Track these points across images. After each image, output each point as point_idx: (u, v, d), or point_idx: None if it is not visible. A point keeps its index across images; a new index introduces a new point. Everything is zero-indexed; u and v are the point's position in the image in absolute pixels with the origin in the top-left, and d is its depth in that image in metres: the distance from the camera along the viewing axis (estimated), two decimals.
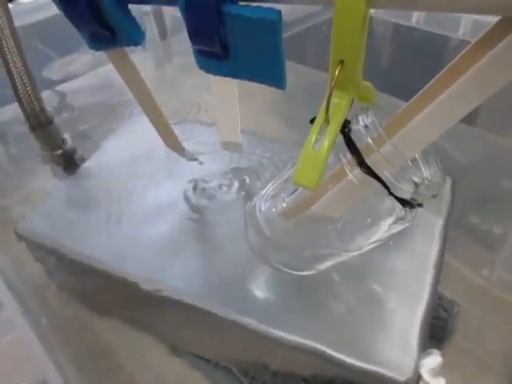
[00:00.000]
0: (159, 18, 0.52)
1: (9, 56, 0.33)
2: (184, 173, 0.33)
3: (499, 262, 0.34)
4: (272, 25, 0.18)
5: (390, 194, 0.21)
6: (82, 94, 0.48)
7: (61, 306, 0.32)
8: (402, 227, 0.23)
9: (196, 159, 0.31)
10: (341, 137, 0.22)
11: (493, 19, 0.18)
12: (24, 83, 0.34)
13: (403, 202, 0.22)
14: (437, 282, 0.26)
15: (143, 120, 0.31)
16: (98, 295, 0.32)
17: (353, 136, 0.21)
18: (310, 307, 0.26)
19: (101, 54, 0.23)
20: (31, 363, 0.28)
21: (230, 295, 0.26)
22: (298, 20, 0.67)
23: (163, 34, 0.52)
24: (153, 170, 0.33)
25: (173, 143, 0.30)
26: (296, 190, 0.24)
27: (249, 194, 0.31)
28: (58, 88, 0.50)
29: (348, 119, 0.22)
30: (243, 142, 0.30)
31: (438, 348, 0.29)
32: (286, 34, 0.65)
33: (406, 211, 0.22)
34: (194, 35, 0.20)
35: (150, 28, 0.52)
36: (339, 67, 0.18)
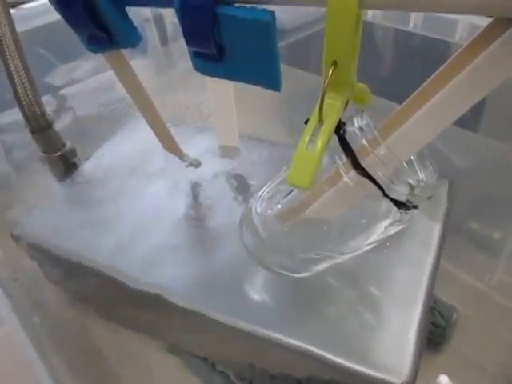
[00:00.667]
0: (160, 24, 0.52)
1: (10, 60, 0.34)
2: (182, 175, 0.33)
3: (499, 267, 0.34)
4: (265, 26, 0.18)
5: (385, 195, 0.21)
6: (82, 97, 0.48)
7: (56, 308, 0.32)
8: (398, 229, 0.23)
9: (194, 162, 0.31)
10: (336, 139, 0.22)
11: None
12: (25, 87, 0.34)
13: (398, 204, 0.22)
14: (433, 285, 0.26)
15: (142, 123, 0.31)
16: (94, 297, 0.32)
17: (347, 138, 0.21)
18: (305, 310, 0.25)
19: (104, 61, 0.23)
20: (24, 366, 0.28)
21: (225, 297, 0.26)
22: (300, 27, 0.68)
23: (164, 41, 0.53)
24: (150, 173, 0.33)
25: (171, 146, 0.30)
26: (291, 191, 0.24)
27: (246, 197, 0.31)
28: (59, 92, 0.50)
29: (343, 121, 0.22)
30: (242, 145, 0.30)
31: (436, 354, 0.29)
32: (288, 41, 0.66)
33: (401, 213, 0.22)
34: (190, 37, 0.20)
35: (151, 34, 0.53)
36: (332, 68, 0.18)
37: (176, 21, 0.19)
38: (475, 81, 0.18)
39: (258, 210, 0.25)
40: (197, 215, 0.31)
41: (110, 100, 0.45)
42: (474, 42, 0.19)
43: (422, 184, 0.22)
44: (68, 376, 0.29)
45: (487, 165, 0.38)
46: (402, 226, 0.23)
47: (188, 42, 0.20)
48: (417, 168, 0.23)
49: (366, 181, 0.21)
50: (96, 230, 0.30)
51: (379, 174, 0.21)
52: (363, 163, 0.21)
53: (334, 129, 0.19)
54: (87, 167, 0.34)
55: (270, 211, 0.24)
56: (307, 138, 0.19)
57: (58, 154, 0.34)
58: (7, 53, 0.34)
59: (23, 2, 0.65)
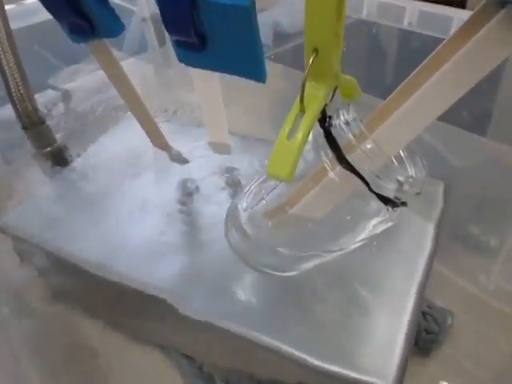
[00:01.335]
0: (158, 24, 0.52)
1: (2, 55, 0.34)
2: (173, 173, 0.32)
3: (497, 271, 0.33)
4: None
5: (371, 191, 0.20)
6: (79, 94, 0.48)
7: (42, 305, 0.31)
8: (386, 226, 0.22)
9: (183, 159, 0.31)
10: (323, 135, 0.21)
11: None
12: (17, 82, 0.34)
13: (385, 200, 0.21)
14: (424, 288, 0.25)
15: (135, 121, 0.31)
16: (81, 294, 0.31)
17: (333, 131, 0.21)
18: (291, 311, 0.25)
19: None
20: (7, 363, 0.27)
21: (210, 297, 0.26)
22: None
23: (162, 41, 0.53)
24: (142, 170, 0.33)
25: (159, 142, 0.30)
26: (275, 187, 0.23)
27: (237, 195, 0.30)
28: (56, 87, 0.50)
29: (329, 115, 0.22)
30: (235, 143, 0.30)
31: (428, 359, 0.28)
32: (293, 44, 0.65)
33: (388, 210, 0.21)
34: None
35: (149, 35, 0.53)
36: (313, 56, 0.17)
37: None
38: (460, 71, 0.17)
39: (244, 207, 0.24)
40: (187, 212, 0.30)
41: (109, 96, 0.45)
42: (458, 33, 0.19)
43: (410, 180, 0.21)
44: (52, 374, 0.28)
45: (488, 167, 0.37)
46: (390, 224, 0.22)
47: (169, 31, 0.20)
48: (406, 164, 0.22)
49: (353, 176, 0.21)
50: (83, 226, 0.30)
51: (365, 169, 0.20)
52: (349, 158, 0.20)
53: (316, 118, 0.19)
54: (78, 163, 0.34)
55: (255, 207, 0.24)
56: (288, 128, 0.18)
57: (49, 149, 0.34)
58: (0, 50, 0.33)
59: None
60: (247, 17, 0.18)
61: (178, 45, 0.21)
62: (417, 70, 0.20)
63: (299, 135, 0.18)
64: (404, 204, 0.21)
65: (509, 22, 0.16)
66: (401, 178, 0.20)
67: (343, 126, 0.20)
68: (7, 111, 0.36)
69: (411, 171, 0.22)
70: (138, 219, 0.30)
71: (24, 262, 0.31)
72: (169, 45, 0.50)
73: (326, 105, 0.20)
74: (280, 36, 0.68)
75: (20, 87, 0.34)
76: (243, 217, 0.24)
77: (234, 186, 0.31)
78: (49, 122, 0.35)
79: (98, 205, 0.31)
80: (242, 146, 0.35)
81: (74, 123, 0.42)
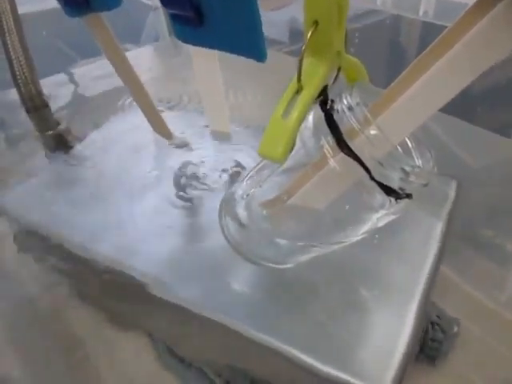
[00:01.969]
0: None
1: (8, 37, 0.33)
2: (174, 160, 0.31)
3: (510, 279, 0.31)
4: None
5: (372, 179, 0.19)
6: (87, 79, 0.48)
7: (31, 290, 0.30)
8: (390, 219, 0.21)
9: (185, 145, 0.30)
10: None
11: None
12: (21, 65, 0.34)
13: (389, 191, 0.19)
14: (430, 291, 0.23)
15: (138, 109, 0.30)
16: (73, 279, 0.30)
17: (335, 116, 0.19)
18: (286, 306, 0.23)
19: None
20: None
21: (202, 288, 0.24)
22: None
23: (172, 30, 0.52)
24: (143, 156, 0.32)
25: (160, 128, 0.29)
26: (273, 173, 0.22)
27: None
28: (65, 74, 0.49)
29: (332, 98, 0.20)
30: (237, 131, 0.29)
31: (431, 369, 0.26)
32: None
33: (391, 201, 0.20)
34: None
35: (159, 23, 0.52)
36: (312, 28, 0.16)
37: None
38: (467, 57, 0.16)
39: (240, 193, 0.23)
40: (185, 200, 0.29)
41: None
42: (466, 15, 0.17)
43: (416, 170, 0.19)
44: (37, 362, 0.27)
45: (504, 167, 0.35)
46: (393, 217, 0.21)
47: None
48: (412, 153, 0.21)
49: (355, 165, 0.19)
50: (79, 210, 0.29)
51: (367, 155, 0.19)
52: (351, 144, 0.19)
53: (313, 97, 0.18)
54: (79, 148, 0.33)
55: (251, 194, 0.23)
56: (283, 107, 0.17)
57: (52, 132, 0.33)
58: (5, 29, 0.33)
59: None
60: None
61: (174, 19, 0.20)
62: (423, 53, 0.19)
63: (294, 114, 0.17)
64: (409, 196, 0.20)
65: None
66: (406, 168, 0.19)
67: (346, 110, 0.19)
68: (14, 94, 0.36)
69: (418, 161, 0.21)
70: (135, 204, 0.29)
71: (18, 244, 0.30)
72: None
73: (327, 86, 0.19)
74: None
75: (24, 70, 0.34)
76: (239, 205, 0.23)
77: (236, 175, 0.30)
78: (54, 106, 0.34)
79: (96, 189, 0.30)
80: (251, 135, 0.33)
81: (80, 108, 0.42)
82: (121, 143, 0.33)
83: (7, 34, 0.33)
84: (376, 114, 0.19)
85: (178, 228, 0.28)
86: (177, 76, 0.46)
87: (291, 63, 0.52)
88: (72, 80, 0.46)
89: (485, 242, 0.33)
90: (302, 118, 0.17)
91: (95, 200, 0.29)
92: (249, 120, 0.30)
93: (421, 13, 0.42)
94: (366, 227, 0.22)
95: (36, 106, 0.34)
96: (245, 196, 0.23)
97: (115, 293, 0.29)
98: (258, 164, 0.24)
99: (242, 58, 0.20)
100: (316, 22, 0.16)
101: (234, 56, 0.20)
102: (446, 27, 0.18)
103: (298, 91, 0.17)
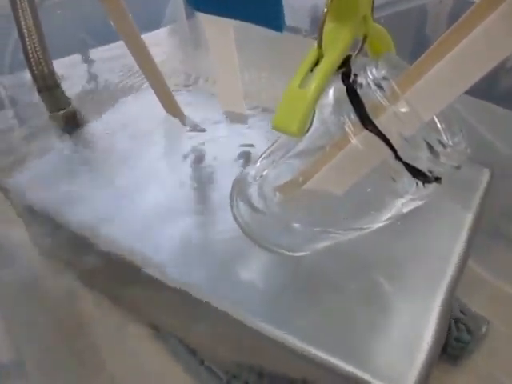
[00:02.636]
0: None
1: (21, 16, 0.32)
2: (187, 143, 0.30)
3: None
4: None
5: (398, 159, 0.17)
6: (101, 60, 0.47)
7: (38, 275, 0.30)
8: (415, 205, 0.19)
9: (198, 127, 0.29)
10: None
11: None
12: (34, 44, 0.33)
13: (416, 173, 0.18)
14: (456, 286, 0.22)
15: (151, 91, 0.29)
16: (81, 265, 0.29)
17: (359, 90, 0.18)
18: (300, 298, 0.22)
19: None
20: None
21: (212, 276, 0.23)
22: None
23: (190, 13, 0.51)
24: (155, 138, 0.31)
25: (173, 109, 0.28)
26: (288, 152, 0.21)
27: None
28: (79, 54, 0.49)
29: (355, 72, 0.19)
30: (252, 114, 0.27)
31: (455, 370, 0.25)
32: None
33: (418, 184, 0.18)
34: None
35: (176, 6, 0.51)
36: None
37: None
38: (501, 28, 0.14)
39: (252, 174, 0.21)
40: (197, 184, 0.28)
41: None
42: None
43: (448, 150, 0.17)
44: (39, 349, 0.26)
45: None
46: (420, 203, 0.19)
47: None
48: (442, 131, 0.19)
49: (379, 144, 0.17)
50: (87, 193, 0.28)
51: (394, 133, 0.17)
52: (376, 121, 0.17)
53: (335, 65, 0.16)
54: (90, 129, 0.32)
55: (264, 176, 0.21)
56: (301, 76, 0.15)
57: (63, 112, 0.33)
58: (19, 6, 0.32)
59: None
60: None
61: None
62: (457, 23, 0.17)
63: (314, 83, 0.15)
64: (438, 180, 0.18)
65: None
66: (436, 148, 0.17)
67: (371, 83, 0.17)
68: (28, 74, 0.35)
69: (448, 141, 0.19)
70: (144, 188, 0.28)
71: (27, 227, 0.30)
72: (196, 17, 0.49)
73: (350, 57, 0.17)
74: (319, 21, 0.65)
75: (37, 48, 0.33)
76: (251, 187, 0.21)
77: (249, 159, 0.28)
78: (66, 86, 0.34)
79: (104, 171, 0.29)
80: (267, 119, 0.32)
81: (92, 89, 0.41)
82: (132, 125, 0.32)
83: (20, 11, 0.32)
84: (403, 89, 0.17)
85: (187, 213, 0.26)
86: (191, 58, 0.45)
87: (310, 46, 0.50)
88: (85, 61, 0.45)
89: None
90: (322, 88, 0.15)
91: (104, 182, 0.28)
92: (264, 103, 0.29)
93: None
94: (389, 213, 0.20)
95: (48, 85, 0.33)
96: (258, 177, 0.21)
97: (120, 279, 0.28)
98: (272, 144, 0.22)
99: (259, 36, 0.19)
100: None
101: (249, 38, 0.19)
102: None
103: (318, 60, 0.16)
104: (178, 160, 0.29)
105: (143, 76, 0.29)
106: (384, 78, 0.18)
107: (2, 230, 0.31)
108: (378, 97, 0.17)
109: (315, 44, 0.16)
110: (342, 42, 0.16)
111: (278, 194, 0.21)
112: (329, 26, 0.15)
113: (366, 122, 0.17)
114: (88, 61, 0.45)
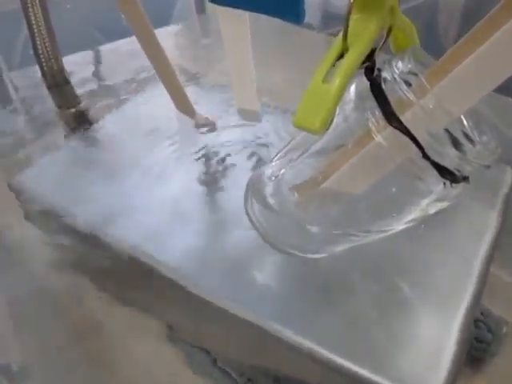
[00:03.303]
0: None
1: (31, 12, 0.32)
2: (198, 141, 0.29)
3: None
4: None
5: (426, 157, 0.16)
6: (112, 57, 0.46)
7: (47, 273, 0.29)
8: (441, 206, 0.18)
9: (210, 125, 0.28)
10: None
11: None
12: (44, 41, 0.32)
13: (443, 172, 0.17)
14: (482, 288, 0.21)
15: (161, 88, 0.28)
16: (90, 265, 0.29)
17: (383, 85, 0.17)
18: (317, 302, 0.21)
19: None
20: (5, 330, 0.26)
21: (225, 278, 0.22)
22: None
23: (200, 8, 0.50)
24: (165, 137, 0.30)
25: (184, 106, 0.27)
26: (303, 153, 0.20)
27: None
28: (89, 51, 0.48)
29: (379, 67, 0.18)
30: (266, 111, 0.27)
31: (477, 373, 0.24)
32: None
33: (445, 184, 0.17)
34: None
35: (187, 1, 0.50)
36: None
37: None
38: None
39: (268, 174, 0.21)
40: (208, 183, 0.27)
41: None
42: None
43: (477, 148, 0.17)
44: (47, 351, 0.26)
45: None
46: (446, 204, 0.18)
47: None
48: (469, 129, 0.18)
49: (405, 141, 0.17)
50: (95, 191, 0.27)
51: (421, 130, 0.16)
52: (402, 118, 0.16)
53: (361, 59, 0.15)
54: (99, 126, 0.32)
55: (281, 175, 0.20)
56: (325, 70, 0.15)
57: (72, 110, 0.32)
58: (29, 4, 0.32)
59: None
60: None
61: None
62: (487, 17, 0.16)
63: (338, 78, 0.14)
64: (466, 180, 0.17)
65: None
66: (465, 145, 0.16)
67: (397, 78, 0.17)
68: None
69: (476, 138, 0.18)
70: (156, 187, 0.27)
71: (32, 224, 0.29)
72: (207, 12, 0.48)
73: (375, 50, 0.17)
74: (330, 17, 0.64)
75: (47, 45, 0.32)
76: (267, 187, 0.21)
77: (264, 158, 0.27)
78: (75, 82, 0.33)
79: (113, 170, 0.28)
80: (277, 116, 0.31)
81: (103, 86, 0.40)
82: (142, 123, 0.31)
83: (30, 7, 0.32)
84: (431, 84, 0.16)
85: (199, 213, 0.26)
86: (204, 55, 0.44)
87: (324, 42, 0.50)
88: (95, 57, 0.45)
89: None
90: (347, 83, 0.15)
91: (115, 181, 0.28)
92: (278, 100, 0.28)
93: None
94: (412, 215, 0.19)
95: (57, 82, 0.33)
96: (273, 177, 0.21)
97: (132, 280, 0.27)
98: (288, 143, 0.21)
99: (274, 30, 0.18)
100: None
101: (264, 33, 0.18)
102: None
103: (343, 54, 0.15)
104: (190, 159, 0.28)
105: (153, 73, 0.28)
106: (410, 73, 0.17)
107: (13, 231, 0.31)
108: (405, 92, 0.16)
109: (333, 38, 0.15)
110: (369, 34, 0.15)
111: (295, 193, 0.20)
112: (354, 18, 0.15)
113: (391, 118, 0.16)
114: (98, 57, 0.45)
